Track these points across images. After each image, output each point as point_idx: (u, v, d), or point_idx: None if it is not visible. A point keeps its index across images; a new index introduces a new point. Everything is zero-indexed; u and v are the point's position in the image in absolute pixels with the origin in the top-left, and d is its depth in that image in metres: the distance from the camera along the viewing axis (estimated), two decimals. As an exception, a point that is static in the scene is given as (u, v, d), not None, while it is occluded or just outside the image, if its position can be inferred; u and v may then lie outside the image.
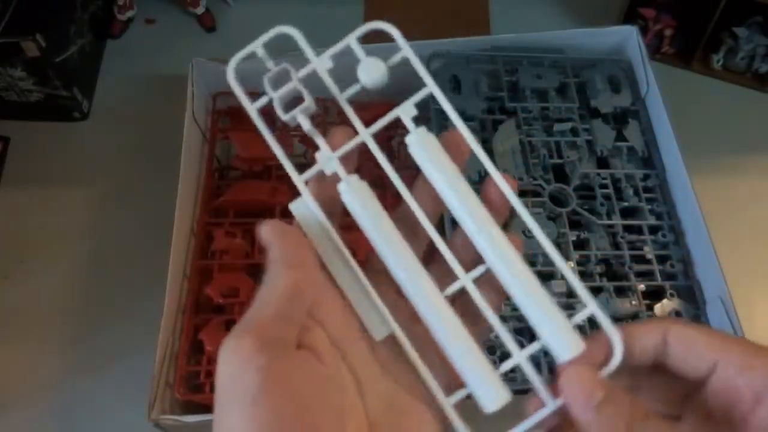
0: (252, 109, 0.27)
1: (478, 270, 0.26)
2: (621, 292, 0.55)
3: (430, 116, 0.60)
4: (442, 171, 0.26)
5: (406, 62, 0.27)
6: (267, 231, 0.25)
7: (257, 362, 0.21)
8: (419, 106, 0.27)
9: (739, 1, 0.73)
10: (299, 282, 0.24)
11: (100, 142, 0.76)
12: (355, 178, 0.26)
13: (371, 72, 0.27)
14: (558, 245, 0.55)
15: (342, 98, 0.27)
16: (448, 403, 0.26)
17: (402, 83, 0.29)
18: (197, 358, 0.54)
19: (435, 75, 0.62)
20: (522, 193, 0.58)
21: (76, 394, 0.61)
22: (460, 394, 0.26)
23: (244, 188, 0.61)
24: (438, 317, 0.25)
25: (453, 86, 0.62)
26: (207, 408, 0.52)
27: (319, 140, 0.27)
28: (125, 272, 0.66)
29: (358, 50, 0.27)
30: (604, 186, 0.60)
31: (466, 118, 0.61)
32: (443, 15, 0.86)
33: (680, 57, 0.82)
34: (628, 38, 0.67)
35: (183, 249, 0.57)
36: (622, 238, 0.57)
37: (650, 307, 0.54)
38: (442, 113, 0.61)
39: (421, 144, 0.26)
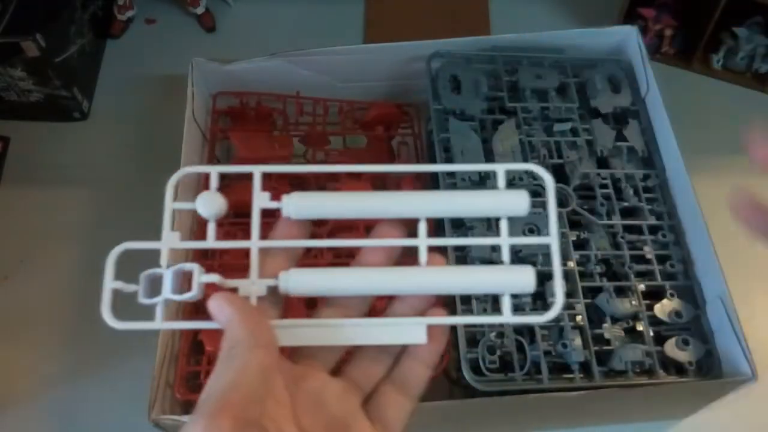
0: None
1: None
2: (621, 292, 0.55)
3: (430, 116, 0.60)
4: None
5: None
6: (224, 307, 0.26)
7: None
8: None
9: (739, 1, 0.73)
10: (267, 363, 0.25)
11: (100, 142, 0.76)
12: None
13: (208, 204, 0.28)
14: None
15: None
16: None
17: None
18: (197, 358, 0.54)
19: (435, 75, 0.63)
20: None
21: (76, 394, 0.61)
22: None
23: (244, 188, 0.61)
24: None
25: (453, 86, 0.62)
26: (207, 408, 0.52)
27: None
28: (125, 272, 0.66)
29: None
30: (604, 186, 0.60)
31: (465, 118, 0.61)
32: (443, 15, 0.86)
33: (680, 57, 0.82)
34: (628, 38, 0.67)
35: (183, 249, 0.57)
36: (622, 238, 0.57)
37: (650, 307, 0.54)
38: (442, 113, 0.61)
39: None
